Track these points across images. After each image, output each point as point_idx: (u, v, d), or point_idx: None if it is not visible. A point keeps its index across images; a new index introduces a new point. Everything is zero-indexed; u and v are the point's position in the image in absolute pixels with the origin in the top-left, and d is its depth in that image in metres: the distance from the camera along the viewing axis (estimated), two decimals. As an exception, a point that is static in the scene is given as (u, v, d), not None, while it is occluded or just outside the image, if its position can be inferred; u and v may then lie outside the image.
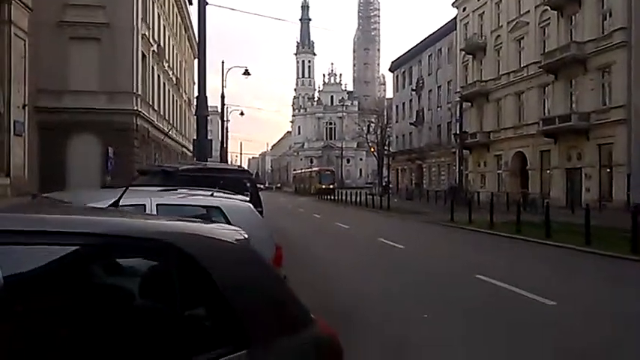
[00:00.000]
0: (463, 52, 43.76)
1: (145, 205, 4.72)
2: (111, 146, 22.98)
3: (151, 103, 28.98)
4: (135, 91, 24.86)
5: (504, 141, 37.62)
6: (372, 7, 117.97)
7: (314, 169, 71.16)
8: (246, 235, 1.93)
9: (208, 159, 16.68)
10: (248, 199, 8.87)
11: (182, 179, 10.52)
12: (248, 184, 12.37)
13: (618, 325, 6.19)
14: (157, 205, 4.79)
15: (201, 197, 5.36)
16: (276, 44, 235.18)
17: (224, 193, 6.14)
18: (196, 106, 15.74)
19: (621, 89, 27.04)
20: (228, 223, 4.75)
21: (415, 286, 8.51)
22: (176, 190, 6.26)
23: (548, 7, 32.39)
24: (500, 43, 38.82)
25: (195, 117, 15.49)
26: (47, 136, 22.75)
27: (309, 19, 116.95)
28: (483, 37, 41.04)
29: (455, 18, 46.48)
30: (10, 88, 15.86)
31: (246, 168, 15.19)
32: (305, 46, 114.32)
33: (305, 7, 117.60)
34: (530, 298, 7.34)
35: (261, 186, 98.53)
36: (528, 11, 35.00)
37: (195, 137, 16.34)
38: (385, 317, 6.56)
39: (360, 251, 13.28)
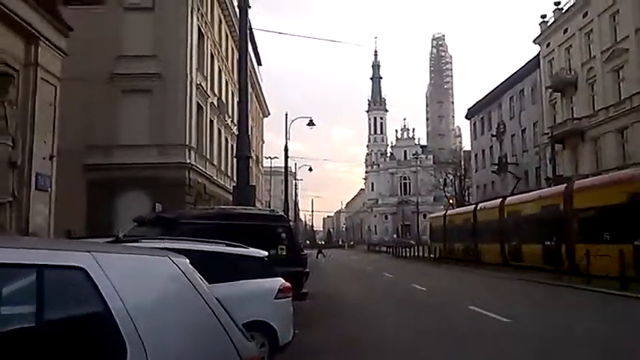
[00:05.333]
0: (550, 91, 39.44)
1: None
2: (159, 202, 20.98)
3: (208, 157, 27.16)
4: (188, 143, 23.05)
5: (608, 185, 32.34)
6: (443, 61, 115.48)
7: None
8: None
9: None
10: (265, 253, 5.83)
11: (187, 228, 7.71)
12: (283, 235, 9.25)
13: None
14: None
15: (37, 251, 2.21)
16: (346, 105, 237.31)
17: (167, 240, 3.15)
18: (236, 147, 13.27)
19: None
20: (99, 293, 2.36)
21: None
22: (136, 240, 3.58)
23: (653, 28, 28.07)
24: (594, 75, 34.35)
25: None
26: (95, 193, 21.27)
27: (381, 77, 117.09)
28: (572, 72, 36.71)
29: (537, 55, 42.57)
30: (32, 137, 13.83)
31: (281, 213, 12.04)
32: (376, 103, 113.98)
33: (376, 66, 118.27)
34: None
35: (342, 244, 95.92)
36: (627, 37, 30.63)
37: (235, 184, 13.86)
38: None
39: (445, 324, 9.66)
